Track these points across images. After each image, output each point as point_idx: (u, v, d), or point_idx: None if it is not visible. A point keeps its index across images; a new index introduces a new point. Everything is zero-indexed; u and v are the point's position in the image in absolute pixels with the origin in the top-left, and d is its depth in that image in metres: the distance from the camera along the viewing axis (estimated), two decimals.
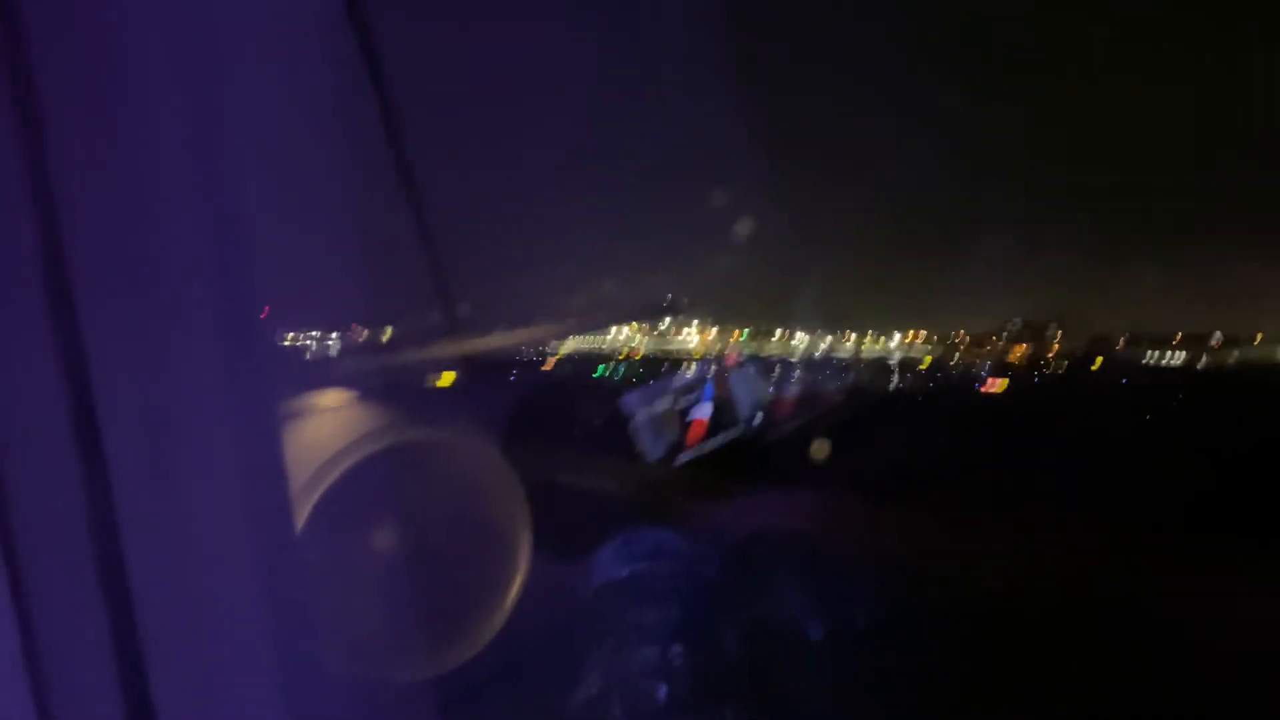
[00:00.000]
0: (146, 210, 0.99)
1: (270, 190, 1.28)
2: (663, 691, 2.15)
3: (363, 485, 1.59)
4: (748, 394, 2.75)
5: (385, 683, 1.61)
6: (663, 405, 2.62)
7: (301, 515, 1.45)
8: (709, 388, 2.69)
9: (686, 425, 2.65)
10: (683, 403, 2.65)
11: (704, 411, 2.67)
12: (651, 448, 2.60)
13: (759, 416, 2.78)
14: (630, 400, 2.60)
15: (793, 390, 2.97)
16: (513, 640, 1.76)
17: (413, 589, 1.66)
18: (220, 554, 1.03)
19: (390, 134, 2.00)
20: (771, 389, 2.87)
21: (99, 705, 0.97)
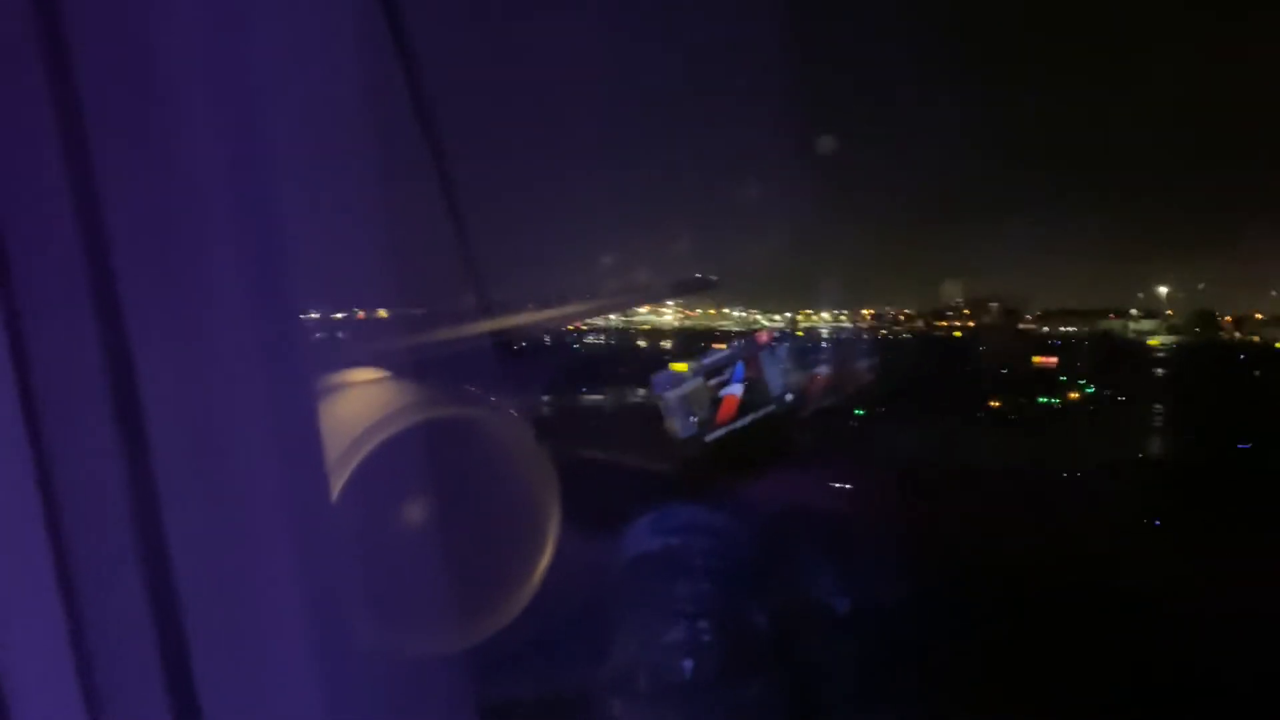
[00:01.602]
0: (183, 195, 1.01)
1: (305, 174, 1.29)
2: (691, 666, 2.16)
3: (393, 461, 1.60)
4: (779, 372, 2.74)
5: (418, 656, 1.63)
6: (693, 383, 2.61)
7: (335, 491, 1.47)
8: (740, 366, 2.68)
9: (717, 403, 2.64)
10: (714, 381, 2.64)
11: (735, 390, 2.66)
12: (681, 426, 2.60)
13: (790, 394, 2.77)
14: (661, 379, 2.60)
15: (825, 368, 2.95)
16: (543, 615, 1.78)
17: (443, 563, 1.68)
18: (256, 529, 1.05)
19: (422, 118, 2.00)
20: (804, 367, 2.86)
21: (137, 671, 1.00)
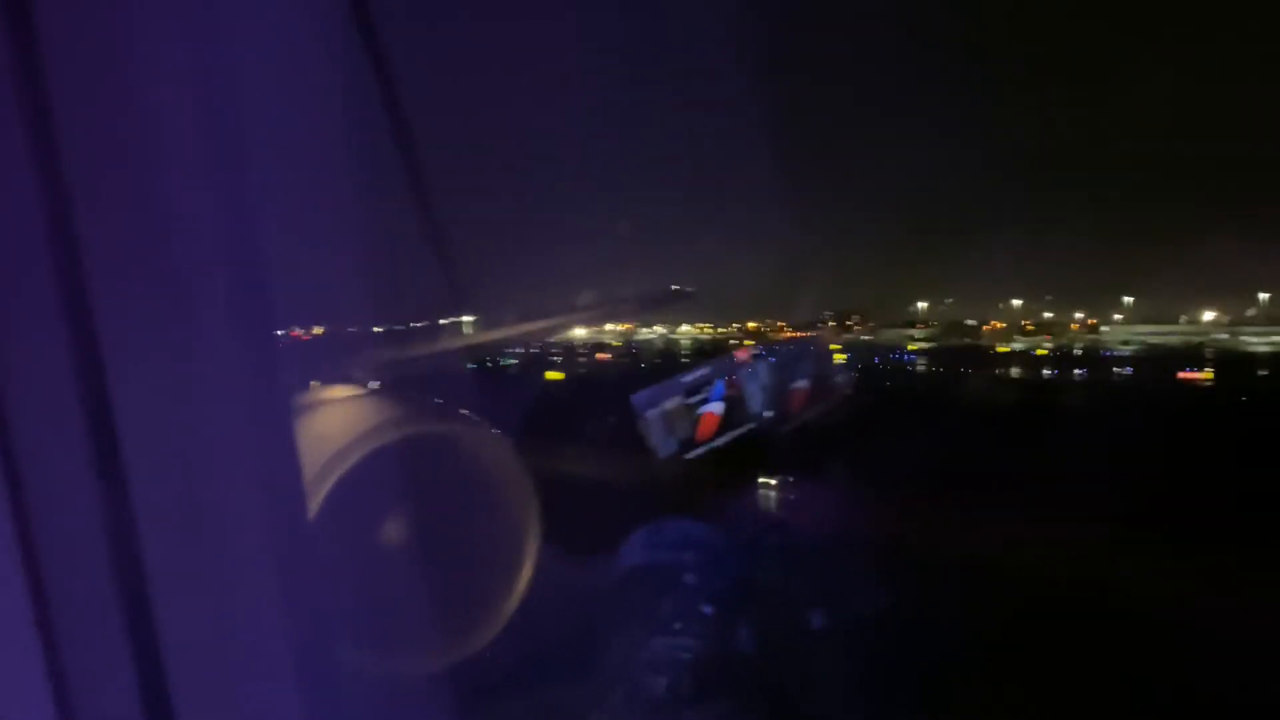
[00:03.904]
0: (159, 208, 1.00)
1: (281, 187, 1.28)
2: (674, 685, 2.15)
3: (373, 478, 1.59)
4: (759, 389, 2.74)
5: (397, 676, 1.62)
6: (673, 401, 2.61)
7: (312, 508, 1.45)
8: (720, 384, 2.69)
9: (697, 421, 2.64)
10: (693, 399, 2.64)
11: (715, 407, 2.67)
12: (662, 444, 2.59)
13: (771, 411, 2.77)
14: (640, 397, 2.60)
15: (804, 385, 2.96)
16: (525, 633, 1.77)
17: (423, 581, 1.67)
18: (233, 547, 1.04)
19: (398, 129, 2.00)
20: (784, 383, 2.87)
21: (114, 695, 0.98)
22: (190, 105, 1.02)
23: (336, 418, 1.72)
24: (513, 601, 1.77)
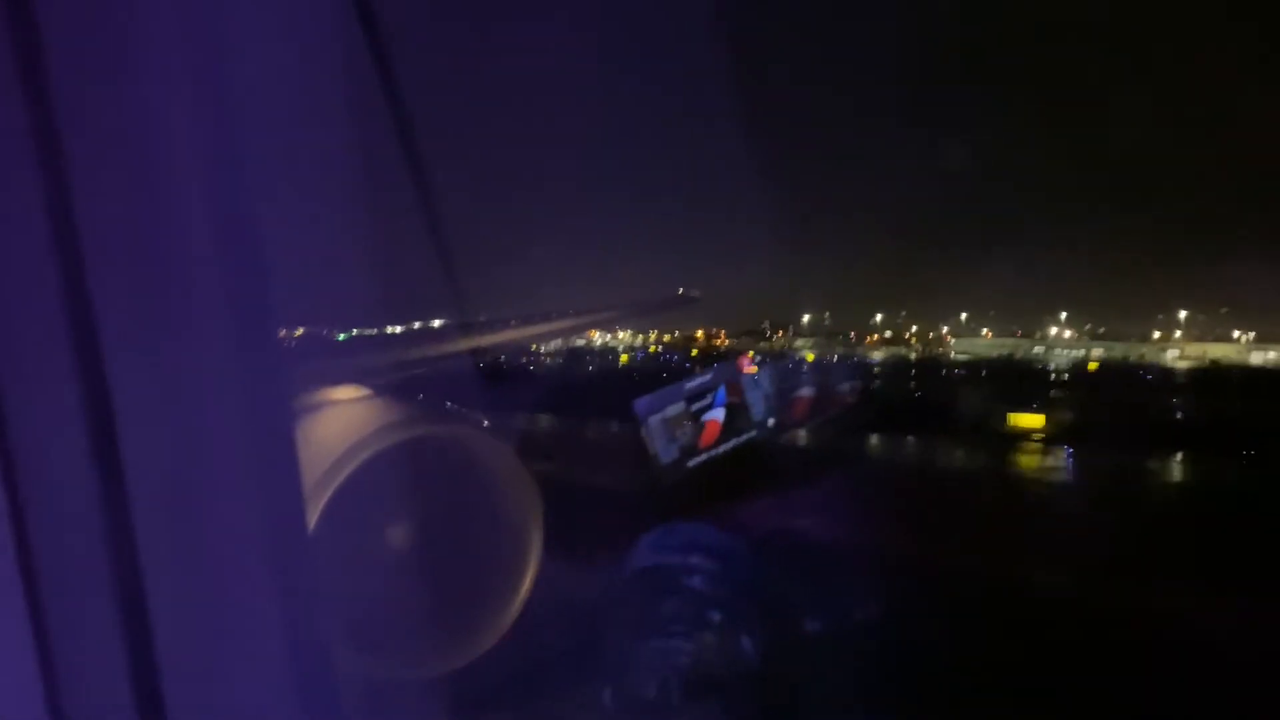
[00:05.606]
0: (160, 210, 0.99)
1: (283, 189, 1.28)
2: (673, 690, 2.14)
3: (376, 480, 1.58)
4: (761, 397, 2.74)
5: (397, 679, 1.61)
6: (675, 409, 2.61)
7: (315, 510, 1.45)
8: (722, 391, 2.69)
9: (700, 428, 2.64)
10: (695, 406, 2.64)
11: (717, 415, 2.66)
12: (664, 451, 2.59)
13: (773, 419, 2.77)
14: (642, 404, 2.60)
15: (807, 392, 2.96)
16: (526, 637, 1.76)
17: (425, 584, 1.66)
18: (233, 550, 1.03)
19: (402, 133, 2.00)
20: (786, 391, 2.86)
21: (110, 700, 0.97)
22: (191, 105, 1.01)
23: (338, 420, 1.71)
24: (516, 605, 1.76)
